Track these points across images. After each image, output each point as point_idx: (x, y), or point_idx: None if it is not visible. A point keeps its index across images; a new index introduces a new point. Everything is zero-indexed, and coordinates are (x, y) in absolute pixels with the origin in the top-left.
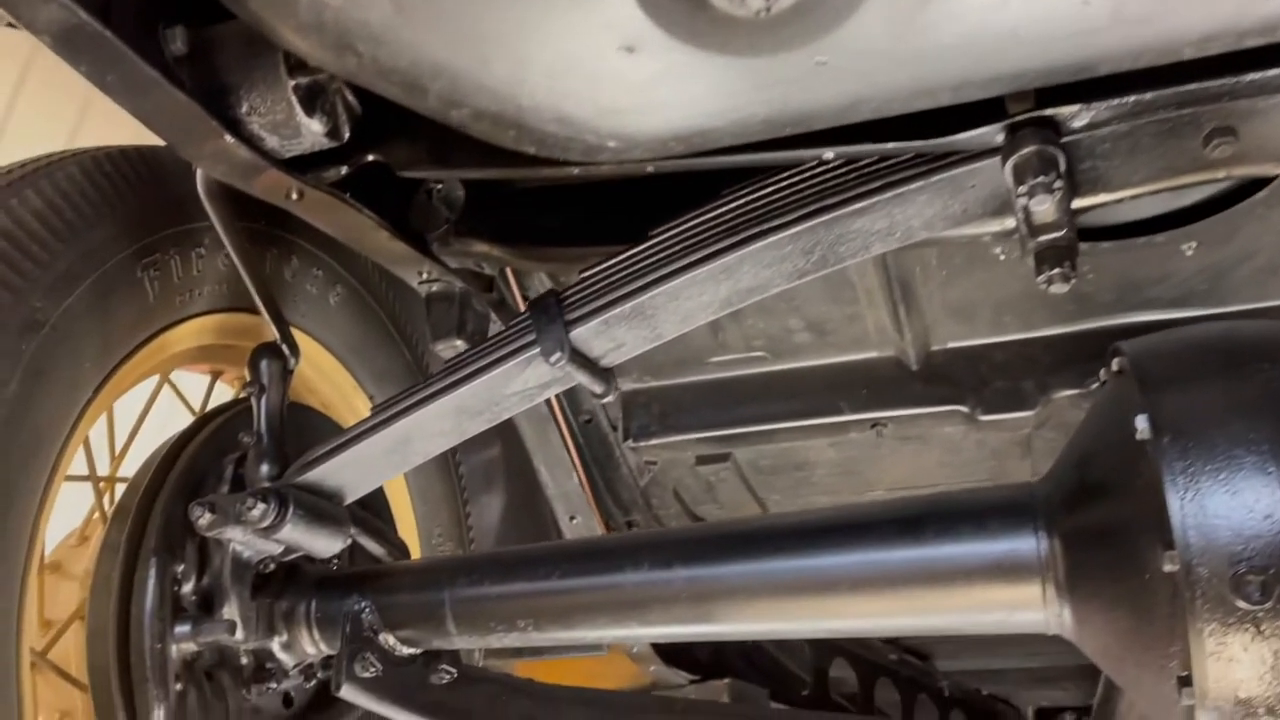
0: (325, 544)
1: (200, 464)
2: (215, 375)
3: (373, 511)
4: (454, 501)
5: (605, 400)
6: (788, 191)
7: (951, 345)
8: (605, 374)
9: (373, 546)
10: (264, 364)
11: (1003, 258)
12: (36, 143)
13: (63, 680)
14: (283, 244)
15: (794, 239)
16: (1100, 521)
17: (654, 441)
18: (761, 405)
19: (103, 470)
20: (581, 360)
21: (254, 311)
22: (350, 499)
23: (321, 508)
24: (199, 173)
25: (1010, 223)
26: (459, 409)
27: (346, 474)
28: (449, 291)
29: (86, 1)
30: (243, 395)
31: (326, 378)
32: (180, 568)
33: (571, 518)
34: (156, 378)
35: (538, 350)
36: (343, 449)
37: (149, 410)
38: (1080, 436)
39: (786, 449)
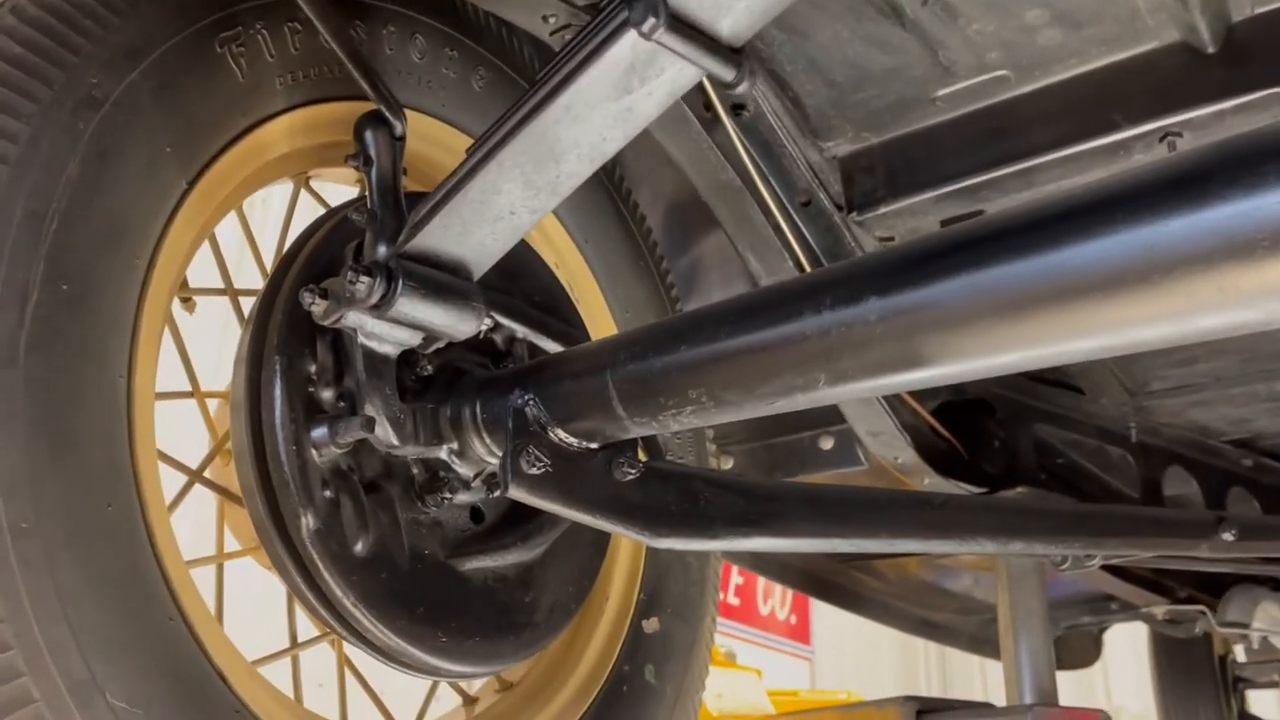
0: (455, 320)
1: (322, 256)
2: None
3: (558, 317)
4: (661, 307)
5: (737, 91)
6: None
7: (1261, 11)
8: (730, 53)
9: (553, 347)
10: (368, 133)
11: None
12: None
13: (229, 499)
14: (402, 21)
15: None
16: None
17: (884, 209)
18: (1013, 139)
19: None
20: (689, 31)
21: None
22: (479, 271)
23: (440, 280)
24: None
25: None
26: (550, 139)
27: (462, 239)
28: None
29: None
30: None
31: None
32: (312, 368)
33: None
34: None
35: (629, 27)
36: (445, 204)
37: (290, 219)
38: None
39: (1054, 191)
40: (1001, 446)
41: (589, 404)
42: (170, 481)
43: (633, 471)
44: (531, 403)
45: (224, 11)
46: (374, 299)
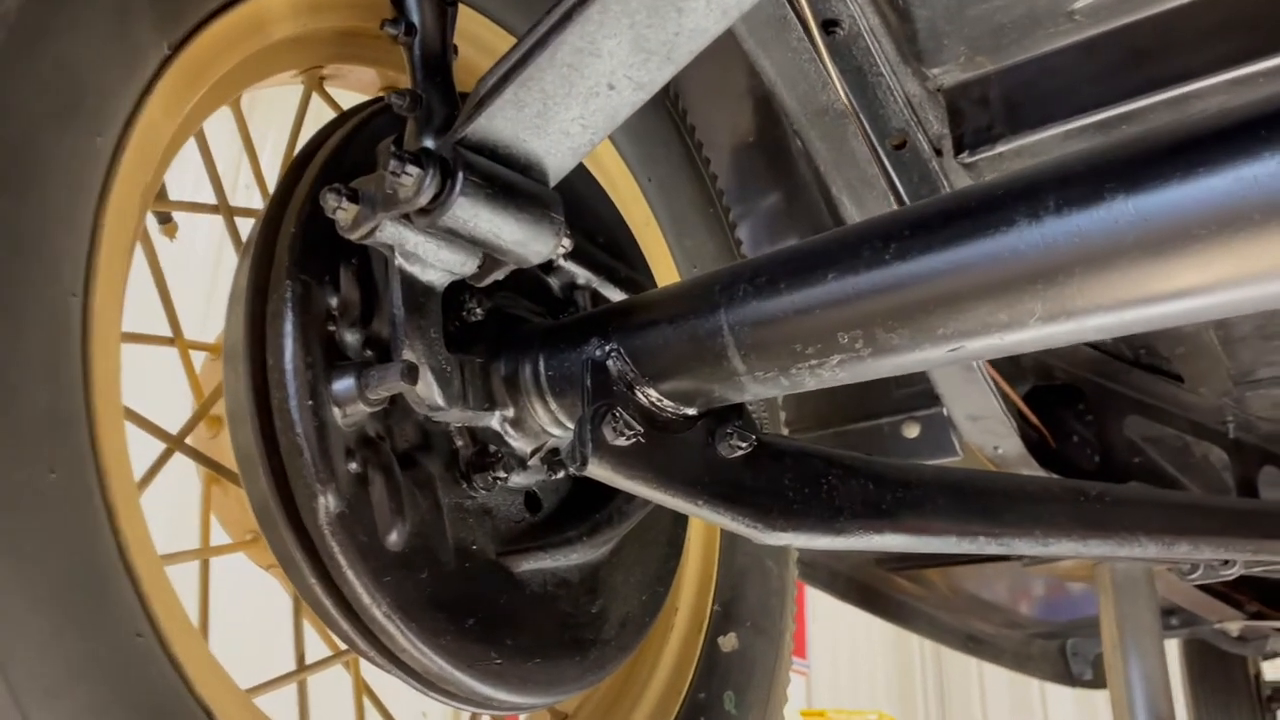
0: (529, 237)
1: (347, 156)
2: (390, 92)
3: (624, 263)
4: (728, 261)
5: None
6: None
7: None
8: None
9: (614, 295)
10: None
11: None
12: None
13: (218, 475)
14: None
15: None
16: None
17: (1000, 148)
18: (1164, 61)
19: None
20: None
21: None
22: (556, 175)
23: (511, 180)
24: None
25: None
26: None
27: (541, 122)
28: None
29: None
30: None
31: None
32: (334, 301)
33: None
34: (302, 88)
35: None
36: (524, 68)
37: (300, 126)
38: None
39: None
40: (1094, 438)
41: (695, 355)
42: (143, 451)
43: (743, 445)
44: (615, 354)
45: None
46: (425, 198)
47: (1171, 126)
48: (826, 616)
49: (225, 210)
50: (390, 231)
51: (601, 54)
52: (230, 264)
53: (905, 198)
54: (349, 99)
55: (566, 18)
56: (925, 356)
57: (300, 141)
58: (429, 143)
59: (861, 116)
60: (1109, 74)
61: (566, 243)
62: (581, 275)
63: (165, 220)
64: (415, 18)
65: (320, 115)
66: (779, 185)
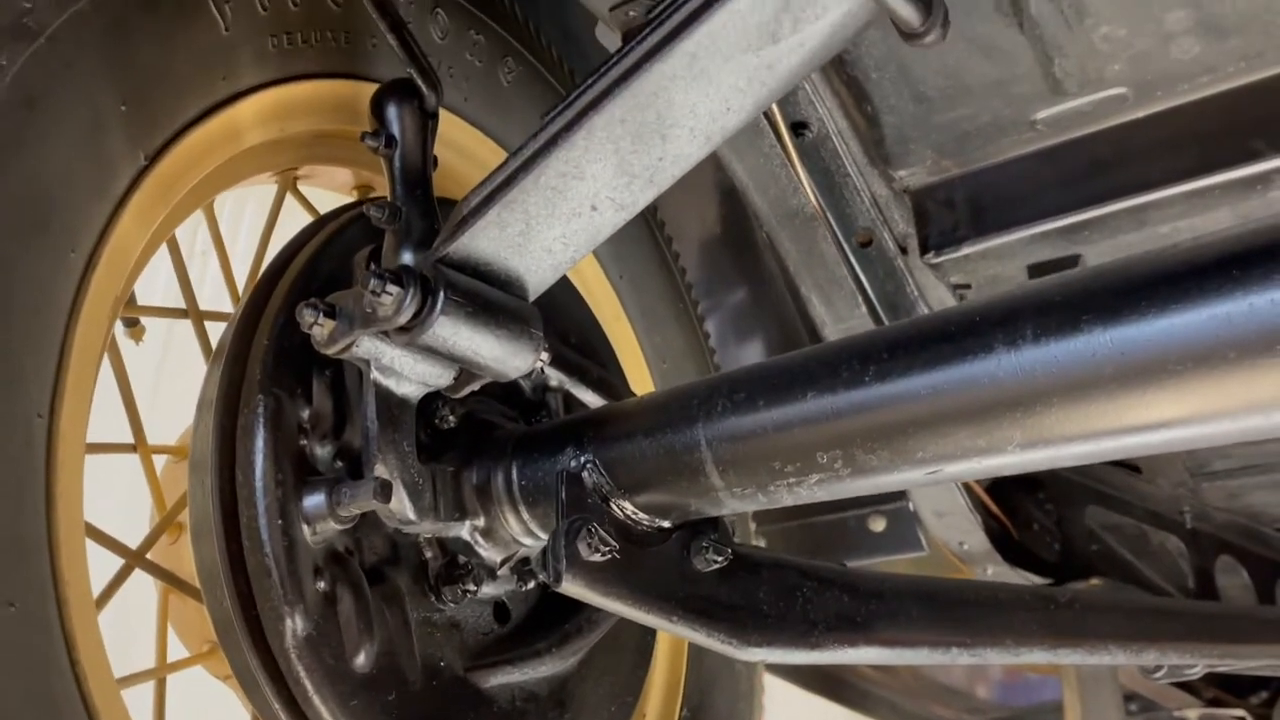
0: (508, 354)
1: (322, 266)
2: (363, 192)
3: (596, 363)
4: (701, 360)
5: (926, 41)
6: None
7: None
8: None
9: (594, 401)
10: (392, 106)
11: None
12: None
13: (177, 589)
14: None
15: None
16: None
17: (966, 250)
18: (1124, 170)
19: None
20: None
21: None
22: (536, 291)
23: (492, 297)
24: None
25: None
26: (662, 102)
27: (523, 241)
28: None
29: None
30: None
31: None
32: (305, 413)
33: None
34: (275, 188)
35: None
36: (508, 190)
37: (272, 227)
38: None
39: (1164, 236)
40: (1054, 527)
41: (672, 469)
42: (100, 561)
43: (719, 560)
44: (590, 466)
45: None
46: (404, 317)
47: (1148, 260)
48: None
49: (195, 315)
50: (367, 346)
51: (585, 177)
52: (176, 361)
53: (872, 295)
54: (322, 197)
55: (552, 142)
56: (904, 478)
57: (271, 241)
58: (408, 256)
59: (829, 214)
60: (1070, 181)
61: (545, 356)
62: (554, 378)
63: (132, 324)
64: (396, 130)
65: (294, 211)
66: (747, 279)
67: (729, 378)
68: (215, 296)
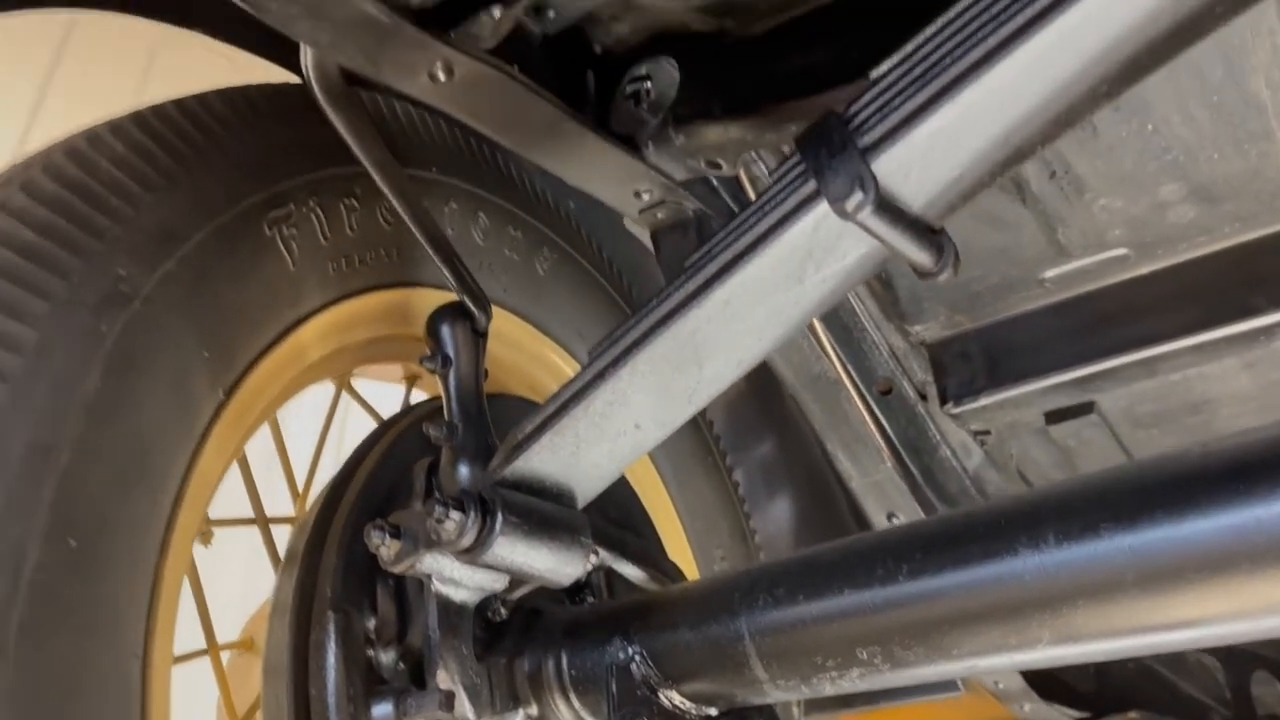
0: (560, 563)
1: (383, 480)
2: (411, 381)
3: (632, 531)
4: (733, 512)
5: (940, 277)
6: None
7: None
8: (934, 236)
9: (634, 574)
10: (445, 328)
11: None
12: None
13: None
14: (463, 197)
15: None
16: None
17: (983, 401)
18: (1132, 324)
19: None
20: (894, 211)
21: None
22: (585, 498)
23: (545, 512)
24: (309, 59)
25: None
26: (699, 339)
27: (572, 459)
28: (681, 218)
29: None
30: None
31: (547, 367)
32: (371, 624)
33: (890, 516)
34: (333, 388)
35: (821, 201)
36: (559, 419)
37: (328, 427)
38: None
39: (1176, 383)
40: None
41: (717, 660)
42: None
43: None
44: (639, 658)
45: (275, 187)
46: (466, 540)
47: (1162, 468)
48: None
49: (262, 523)
50: (429, 563)
51: (630, 404)
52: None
53: (895, 440)
54: (374, 388)
55: (600, 376)
56: (941, 670)
57: (328, 436)
58: (464, 471)
59: (849, 367)
60: (1081, 335)
61: (594, 559)
62: (597, 554)
63: (202, 534)
64: (450, 351)
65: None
66: (774, 428)
67: (769, 571)
68: (276, 497)
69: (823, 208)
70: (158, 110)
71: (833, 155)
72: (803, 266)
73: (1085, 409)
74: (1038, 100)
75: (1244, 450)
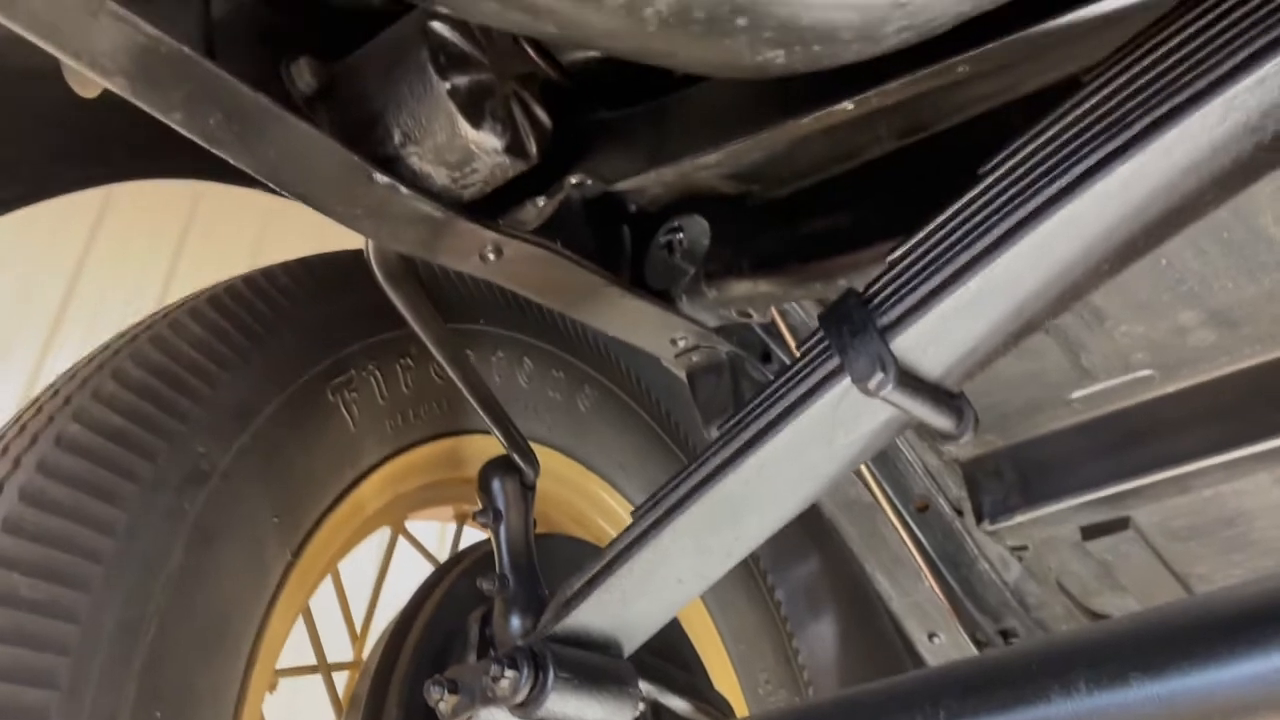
0: (610, 713)
1: (440, 629)
2: (461, 519)
3: (676, 662)
4: (777, 635)
5: (962, 441)
6: (1203, 36)
7: None
8: (953, 401)
9: (681, 706)
10: (496, 483)
11: None
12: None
13: None
14: (509, 345)
15: (1232, 106)
16: None
17: (1019, 519)
18: (1162, 442)
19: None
20: (914, 383)
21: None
22: (631, 646)
23: (594, 665)
24: (371, 247)
25: None
26: (734, 501)
27: (619, 612)
28: (715, 360)
29: (177, 27)
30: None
31: (592, 500)
32: None
33: (931, 635)
34: (388, 531)
35: (845, 377)
36: (605, 577)
37: (385, 572)
38: None
39: (1208, 498)
40: None
41: None
42: None
43: None
44: None
45: (337, 354)
46: (520, 696)
47: (1184, 612)
48: None
49: (324, 670)
50: (485, 717)
51: (671, 561)
52: None
53: (933, 555)
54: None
55: (642, 538)
56: None
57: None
58: (516, 623)
59: (885, 486)
60: (1111, 452)
61: (642, 706)
62: (644, 690)
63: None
64: (500, 504)
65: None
66: (815, 549)
67: (806, 717)
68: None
69: (846, 383)
70: (230, 288)
71: (854, 334)
72: (831, 432)
73: (1120, 524)
74: (1043, 281)
75: (1265, 597)
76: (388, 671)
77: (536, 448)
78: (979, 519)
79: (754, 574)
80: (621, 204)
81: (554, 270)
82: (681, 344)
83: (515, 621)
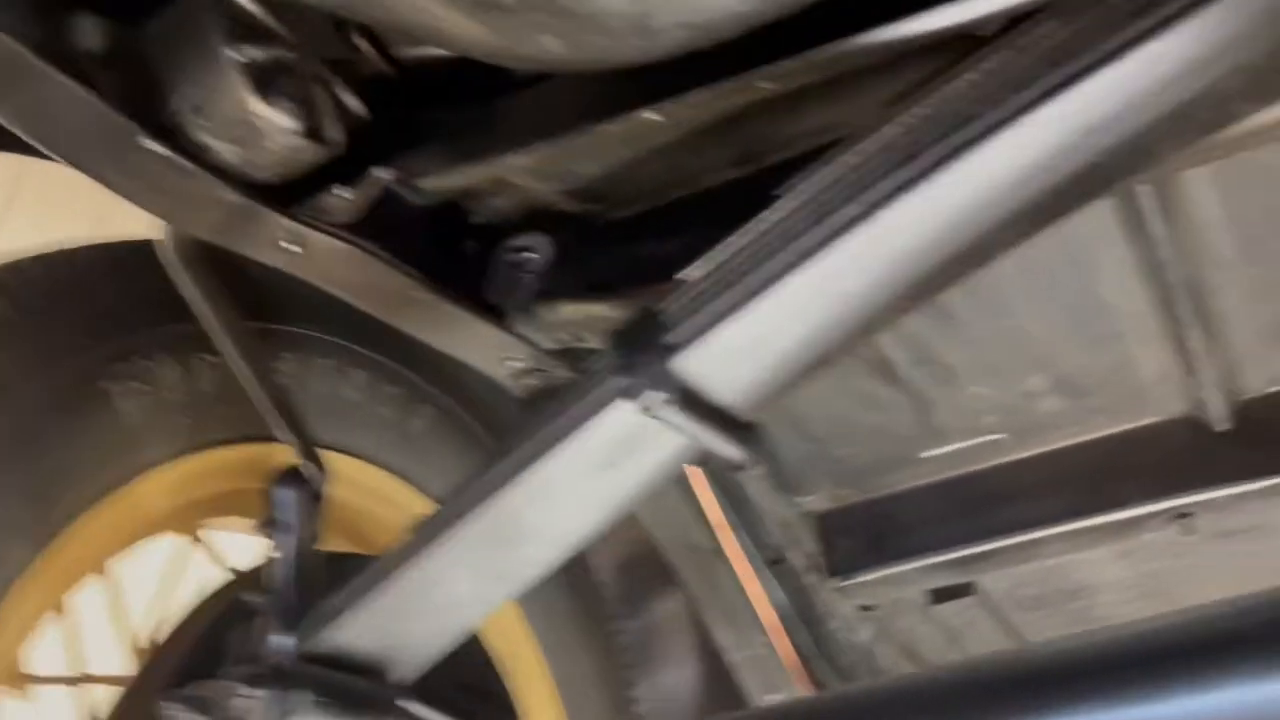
0: None
1: (203, 646)
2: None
3: (493, 704)
4: (613, 684)
5: (749, 473)
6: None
7: (1277, 389)
8: (742, 429)
9: None
10: (280, 492)
11: None
12: None
13: None
14: (343, 354)
15: (1038, 130)
16: None
17: (868, 576)
18: (1010, 507)
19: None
20: (699, 407)
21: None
22: (406, 673)
23: (350, 689)
24: (167, 231)
25: None
26: (515, 521)
27: (389, 634)
28: (554, 384)
29: None
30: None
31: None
32: None
33: (770, 692)
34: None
35: (626, 395)
36: (371, 593)
37: (174, 582)
38: None
39: (1054, 568)
40: None
41: None
42: None
43: None
44: None
45: (116, 342)
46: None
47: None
48: None
49: (80, 680)
50: None
51: (446, 581)
52: None
53: (785, 613)
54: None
55: (412, 552)
56: None
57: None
58: (278, 640)
59: (741, 534)
60: (961, 515)
61: None
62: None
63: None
64: (284, 515)
65: None
66: (671, 591)
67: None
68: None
69: (627, 402)
70: (11, 265)
71: (640, 352)
72: (613, 455)
73: (966, 589)
74: (835, 309)
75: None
76: (140, 691)
77: (364, 466)
78: (830, 574)
79: (593, 614)
80: (467, 217)
81: (368, 271)
82: (516, 365)
83: (274, 639)
